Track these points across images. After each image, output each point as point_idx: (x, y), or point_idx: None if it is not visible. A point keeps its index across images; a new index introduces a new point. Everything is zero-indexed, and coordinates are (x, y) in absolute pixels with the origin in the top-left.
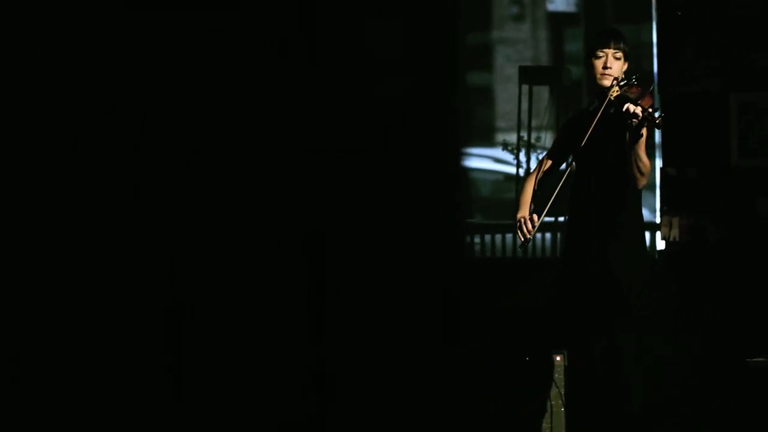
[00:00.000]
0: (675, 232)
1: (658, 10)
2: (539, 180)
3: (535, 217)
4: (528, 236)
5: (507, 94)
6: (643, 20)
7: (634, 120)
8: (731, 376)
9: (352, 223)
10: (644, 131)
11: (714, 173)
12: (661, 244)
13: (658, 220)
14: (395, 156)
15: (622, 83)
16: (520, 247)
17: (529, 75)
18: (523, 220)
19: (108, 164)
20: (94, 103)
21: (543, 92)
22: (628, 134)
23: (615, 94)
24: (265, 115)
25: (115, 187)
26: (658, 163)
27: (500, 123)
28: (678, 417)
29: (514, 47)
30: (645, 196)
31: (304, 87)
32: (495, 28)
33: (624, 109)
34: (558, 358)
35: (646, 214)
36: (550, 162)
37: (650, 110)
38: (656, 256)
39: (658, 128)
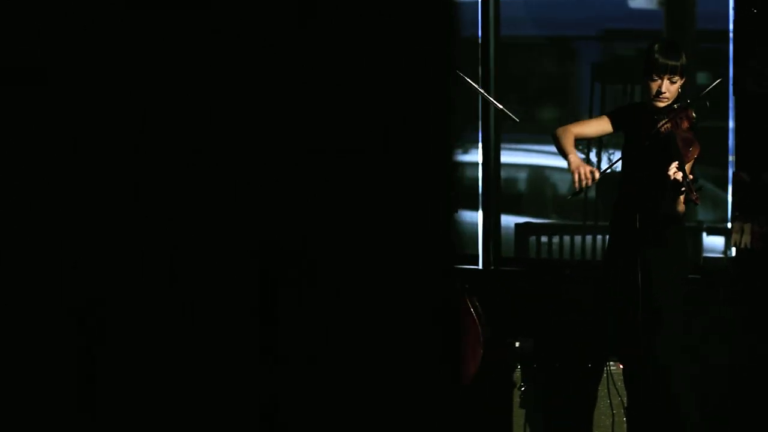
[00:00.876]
0: (746, 239)
1: (735, 9)
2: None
3: (597, 172)
4: (585, 186)
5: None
6: (722, 17)
7: (673, 183)
8: None
9: (331, 230)
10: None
11: None
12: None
13: (729, 226)
14: (391, 157)
15: (673, 112)
16: (571, 196)
17: (601, 73)
18: (583, 170)
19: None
20: (89, 103)
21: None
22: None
23: (665, 129)
24: (258, 114)
25: (116, 188)
26: (731, 166)
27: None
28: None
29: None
30: (716, 200)
31: (302, 86)
32: None
33: (667, 170)
34: (620, 366)
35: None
36: (586, 127)
37: (691, 177)
38: (725, 264)
39: (695, 204)
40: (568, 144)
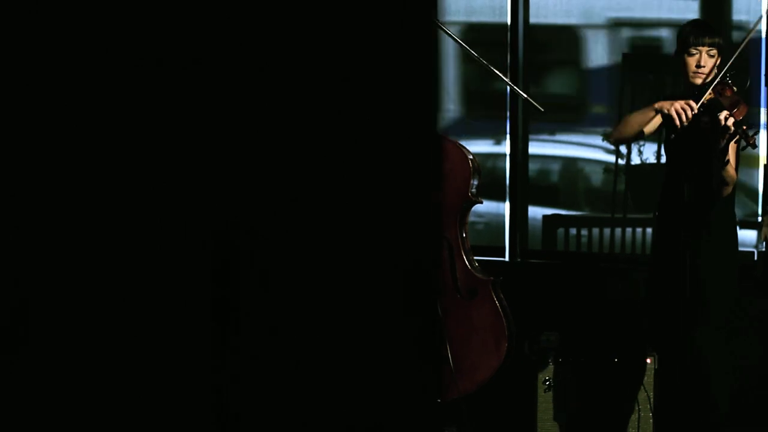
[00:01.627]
0: None
1: None
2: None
3: (693, 102)
4: (686, 120)
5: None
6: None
7: (725, 133)
8: None
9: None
10: (734, 144)
11: None
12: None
13: (759, 219)
14: (354, 144)
15: (714, 85)
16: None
17: (632, 62)
18: (677, 104)
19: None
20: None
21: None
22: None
23: (708, 98)
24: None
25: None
26: (762, 158)
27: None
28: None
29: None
30: (750, 192)
31: (259, 73)
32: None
33: (718, 119)
34: (649, 361)
35: (750, 211)
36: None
37: (744, 127)
38: (755, 258)
39: (753, 147)
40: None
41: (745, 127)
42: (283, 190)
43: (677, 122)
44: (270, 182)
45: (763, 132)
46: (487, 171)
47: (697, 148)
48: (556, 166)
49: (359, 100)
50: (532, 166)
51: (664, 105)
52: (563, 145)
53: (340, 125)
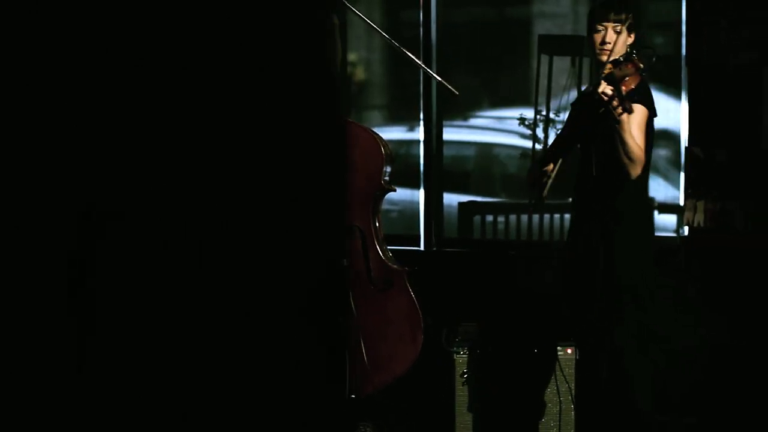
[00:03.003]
0: (699, 218)
1: None
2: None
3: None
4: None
5: (544, 68)
6: None
7: (604, 101)
8: (751, 374)
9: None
10: (625, 115)
11: (744, 154)
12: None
13: (681, 203)
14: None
15: (618, 61)
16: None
17: (548, 45)
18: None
19: None
20: None
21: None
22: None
23: (606, 72)
24: None
25: None
26: (684, 141)
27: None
28: (692, 415)
29: (554, 21)
30: (670, 176)
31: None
32: (536, 2)
33: (600, 91)
34: (569, 351)
35: (670, 195)
36: (556, 146)
37: (624, 99)
38: (678, 242)
39: (628, 112)
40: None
41: (624, 92)
42: (154, 173)
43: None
44: (144, 165)
45: (685, 115)
46: (401, 158)
47: (597, 122)
48: (471, 152)
49: (245, 82)
50: (447, 153)
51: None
52: (479, 131)
53: (220, 104)
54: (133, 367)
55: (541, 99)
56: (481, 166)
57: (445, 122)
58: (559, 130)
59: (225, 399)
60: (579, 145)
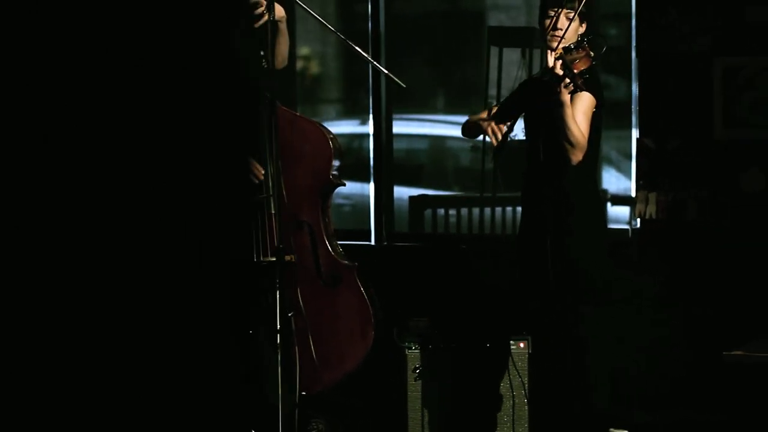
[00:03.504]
0: (651, 209)
1: None
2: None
3: (503, 125)
4: (500, 138)
5: (509, 58)
6: None
7: (554, 77)
8: (707, 369)
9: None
10: (569, 98)
11: (695, 145)
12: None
13: (633, 195)
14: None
15: (569, 48)
16: (494, 155)
17: (498, 36)
18: (490, 127)
19: None
20: None
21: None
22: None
23: (554, 56)
24: None
25: None
26: (635, 132)
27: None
28: (648, 410)
29: (508, 13)
30: (622, 167)
31: None
32: None
33: (547, 69)
34: (521, 345)
35: (622, 187)
36: (493, 115)
37: (575, 75)
38: (630, 234)
39: (577, 89)
40: (475, 117)
41: (575, 71)
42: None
43: (492, 140)
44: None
45: (634, 105)
46: (353, 152)
47: (543, 104)
48: (424, 145)
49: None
50: (400, 146)
51: (483, 123)
52: (431, 124)
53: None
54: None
55: (493, 91)
56: (434, 159)
57: (396, 115)
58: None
59: (130, 400)
60: (525, 134)
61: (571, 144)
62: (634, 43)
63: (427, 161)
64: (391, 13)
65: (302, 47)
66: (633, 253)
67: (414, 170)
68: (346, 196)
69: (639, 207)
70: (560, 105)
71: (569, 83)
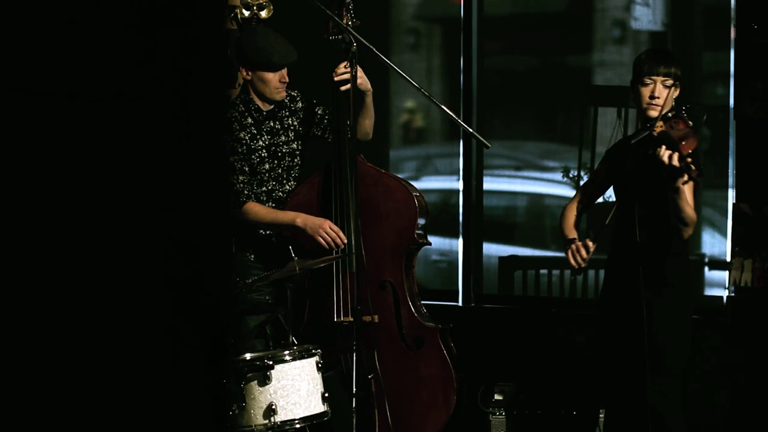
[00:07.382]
0: (747, 277)
1: (736, 32)
2: (579, 211)
3: (590, 242)
4: (582, 263)
5: (605, 118)
6: (725, 41)
7: (669, 170)
8: None
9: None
10: (682, 185)
11: None
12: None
13: (728, 259)
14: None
15: (667, 117)
16: (572, 276)
17: (596, 95)
18: (575, 246)
19: None
20: None
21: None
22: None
23: (658, 130)
24: None
25: None
26: (731, 197)
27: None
28: None
29: (614, 70)
30: (715, 233)
31: None
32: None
33: (660, 155)
34: (600, 415)
35: (719, 251)
36: (587, 193)
37: (689, 159)
38: (725, 302)
39: (696, 181)
40: (567, 223)
41: (690, 160)
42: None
43: (573, 262)
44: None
45: (731, 169)
46: (451, 207)
47: (647, 186)
48: (520, 203)
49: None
50: (497, 203)
51: (567, 245)
52: (528, 182)
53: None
54: None
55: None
56: (531, 217)
57: (493, 171)
58: (587, 180)
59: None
60: (616, 204)
61: (685, 224)
62: (731, 106)
63: (522, 219)
64: (493, 70)
65: (408, 101)
66: (726, 321)
67: (508, 229)
68: (444, 253)
69: (734, 274)
70: (675, 192)
71: (687, 179)
